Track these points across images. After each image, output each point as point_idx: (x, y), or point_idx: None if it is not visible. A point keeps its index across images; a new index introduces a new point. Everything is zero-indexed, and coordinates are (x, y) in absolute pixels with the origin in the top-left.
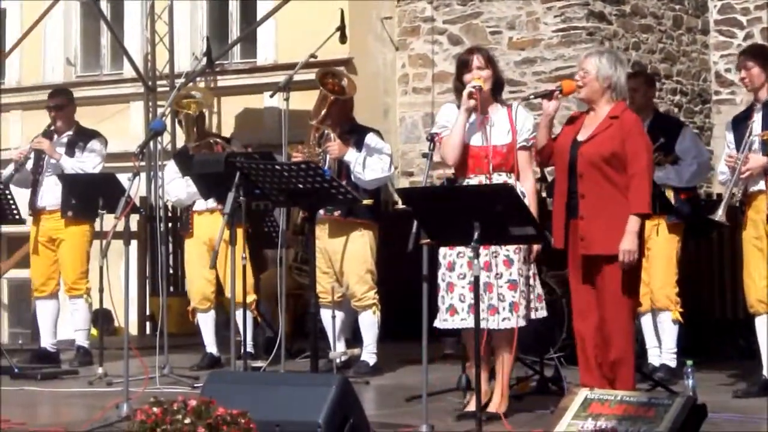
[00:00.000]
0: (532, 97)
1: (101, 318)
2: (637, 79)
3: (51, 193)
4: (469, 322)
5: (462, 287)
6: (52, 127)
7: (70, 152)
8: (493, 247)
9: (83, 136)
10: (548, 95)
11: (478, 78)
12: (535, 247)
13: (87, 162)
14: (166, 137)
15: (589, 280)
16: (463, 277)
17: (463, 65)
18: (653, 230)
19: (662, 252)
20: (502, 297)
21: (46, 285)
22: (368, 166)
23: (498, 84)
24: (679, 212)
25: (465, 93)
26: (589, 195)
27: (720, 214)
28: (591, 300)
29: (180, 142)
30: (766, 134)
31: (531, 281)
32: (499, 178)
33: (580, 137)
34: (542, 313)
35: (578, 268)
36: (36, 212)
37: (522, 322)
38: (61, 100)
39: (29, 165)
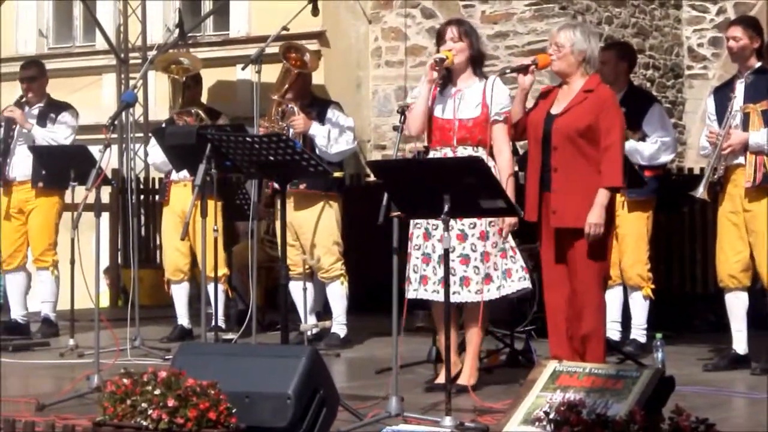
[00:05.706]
0: (507, 71)
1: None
2: (608, 52)
3: (22, 163)
4: (420, 293)
5: (416, 258)
6: (24, 99)
7: (42, 123)
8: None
9: (54, 108)
10: (524, 69)
11: (448, 50)
12: (508, 221)
13: (58, 133)
14: (138, 109)
15: (561, 253)
16: (417, 248)
17: (439, 37)
18: (620, 206)
19: (632, 229)
20: (453, 271)
21: (14, 257)
22: (333, 140)
23: (476, 57)
24: (642, 189)
25: (427, 64)
26: (561, 168)
27: (701, 191)
28: (562, 273)
29: (152, 115)
30: (747, 108)
31: (494, 257)
32: (464, 152)
33: (554, 110)
34: (510, 289)
35: (550, 240)
36: (7, 183)
37: (473, 297)
38: (33, 72)
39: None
